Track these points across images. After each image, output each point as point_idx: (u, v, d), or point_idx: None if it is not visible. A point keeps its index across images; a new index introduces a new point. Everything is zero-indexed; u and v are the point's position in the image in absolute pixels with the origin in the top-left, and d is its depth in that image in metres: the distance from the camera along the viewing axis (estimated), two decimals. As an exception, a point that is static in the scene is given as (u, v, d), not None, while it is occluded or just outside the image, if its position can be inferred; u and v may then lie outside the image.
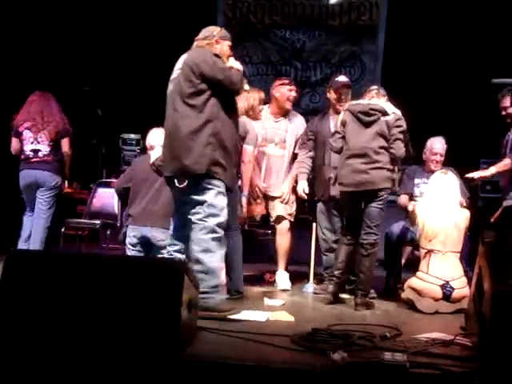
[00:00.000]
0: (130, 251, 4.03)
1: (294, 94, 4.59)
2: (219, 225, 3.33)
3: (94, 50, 6.94)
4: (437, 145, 4.61)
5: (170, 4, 7.06)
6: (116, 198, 5.05)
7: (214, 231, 3.30)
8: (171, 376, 2.28)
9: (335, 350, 2.34)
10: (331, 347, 2.44)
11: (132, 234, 4.01)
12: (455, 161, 4.68)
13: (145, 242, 4.01)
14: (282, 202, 4.51)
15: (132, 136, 6.51)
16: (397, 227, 4.39)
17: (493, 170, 4.32)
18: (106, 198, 5.49)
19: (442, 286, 3.76)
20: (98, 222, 5.04)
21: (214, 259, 3.29)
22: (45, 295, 2.45)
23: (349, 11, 7.59)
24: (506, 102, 4.47)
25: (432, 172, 4.34)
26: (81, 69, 6.82)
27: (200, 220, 3.29)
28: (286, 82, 4.65)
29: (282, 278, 4.52)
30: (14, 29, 6.34)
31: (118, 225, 5.19)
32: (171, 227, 3.55)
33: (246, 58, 7.61)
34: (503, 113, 4.46)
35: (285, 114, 4.60)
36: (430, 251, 3.87)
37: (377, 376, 2.20)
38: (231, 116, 3.42)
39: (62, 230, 5.02)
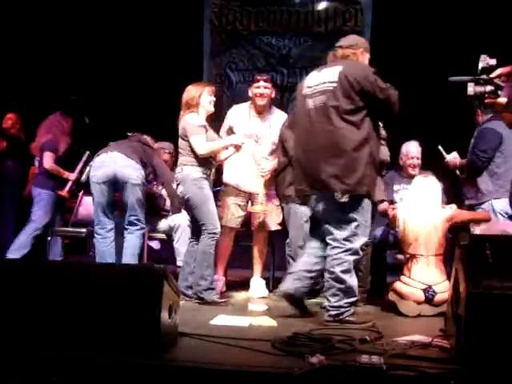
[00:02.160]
0: None
1: (261, 90, 4.52)
2: (362, 246, 3.40)
3: (82, 58, 6.95)
4: (412, 149, 4.70)
5: (157, 11, 7.09)
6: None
7: (357, 253, 3.36)
8: (152, 381, 2.30)
9: (314, 354, 2.38)
10: (310, 351, 2.47)
11: None
12: (428, 164, 4.76)
13: None
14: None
15: None
16: (379, 231, 4.44)
17: (457, 162, 4.61)
18: (92, 206, 5.48)
19: (425, 290, 3.81)
20: (84, 230, 5.04)
21: (353, 278, 3.36)
22: (25, 303, 2.47)
23: (334, 17, 7.65)
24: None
25: (411, 177, 4.41)
26: (68, 77, 6.83)
27: (346, 240, 3.31)
28: (257, 78, 4.61)
29: (258, 285, 4.49)
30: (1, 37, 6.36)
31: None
32: None
33: (233, 65, 7.66)
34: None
35: (263, 111, 4.59)
36: (412, 256, 3.91)
37: (354, 378, 2.23)
38: (378, 136, 3.40)
39: (49, 238, 5.02)
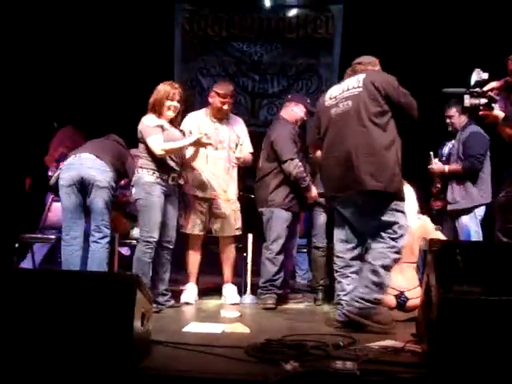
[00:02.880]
0: None
1: (226, 107, 4.51)
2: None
3: (51, 64, 6.86)
4: None
5: (128, 17, 7.05)
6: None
7: (399, 252, 3.44)
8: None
9: (287, 360, 2.37)
10: (284, 357, 2.46)
11: None
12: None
13: None
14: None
15: None
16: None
17: (446, 168, 4.75)
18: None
19: (397, 296, 3.87)
20: (52, 236, 4.96)
21: (388, 276, 3.43)
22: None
23: (305, 24, 7.72)
24: (451, 112, 4.84)
25: None
26: (37, 82, 6.74)
27: (392, 239, 3.40)
28: (221, 93, 4.50)
29: (230, 291, 4.47)
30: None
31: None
32: None
33: (204, 71, 7.67)
34: (448, 121, 4.84)
35: (223, 117, 4.58)
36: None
37: (328, 384, 2.24)
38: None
39: (16, 245, 4.92)
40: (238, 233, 4.56)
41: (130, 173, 4.26)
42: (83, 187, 4.06)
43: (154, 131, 3.96)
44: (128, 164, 4.32)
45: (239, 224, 4.55)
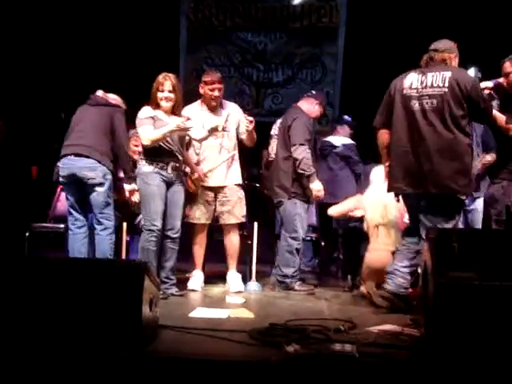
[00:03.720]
0: None
1: (216, 93, 4.51)
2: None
3: (56, 52, 6.94)
4: None
5: (134, 7, 7.11)
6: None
7: None
8: (134, 372, 2.38)
9: (289, 343, 2.48)
10: (286, 341, 2.57)
11: None
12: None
13: None
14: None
15: None
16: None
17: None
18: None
19: (392, 253, 4.03)
20: (62, 225, 5.06)
21: None
22: (9, 298, 2.53)
23: (309, 14, 7.75)
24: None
25: None
26: (44, 72, 6.83)
27: None
28: (208, 80, 4.51)
29: (234, 279, 4.53)
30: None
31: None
32: None
33: (209, 60, 7.74)
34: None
35: (215, 107, 4.58)
36: (376, 226, 4.26)
37: (328, 365, 2.34)
38: None
39: (27, 234, 5.03)
40: (244, 220, 4.64)
41: (117, 133, 4.23)
42: (79, 184, 4.16)
43: (144, 122, 4.06)
44: (115, 125, 4.24)
45: (244, 212, 4.61)
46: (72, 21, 6.91)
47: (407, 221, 4.23)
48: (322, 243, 5.33)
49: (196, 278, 4.51)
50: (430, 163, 3.43)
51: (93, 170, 4.09)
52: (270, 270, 4.92)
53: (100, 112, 4.27)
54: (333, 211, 4.64)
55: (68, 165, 4.15)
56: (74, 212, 4.24)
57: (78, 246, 4.21)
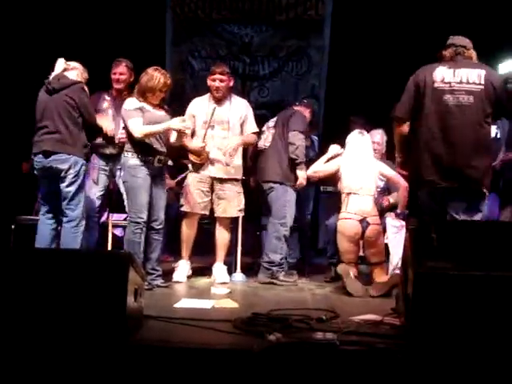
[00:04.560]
0: None
1: (217, 83, 4.59)
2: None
3: (41, 43, 6.91)
4: (375, 136, 4.90)
5: (119, 0, 7.08)
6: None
7: None
8: (119, 361, 2.42)
9: (271, 332, 2.54)
10: (269, 330, 2.62)
11: None
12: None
13: None
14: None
15: None
16: (335, 219, 4.62)
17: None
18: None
19: (360, 221, 4.29)
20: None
21: None
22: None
23: (295, 6, 7.73)
24: None
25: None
26: (29, 64, 6.80)
27: None
28: (212, 70, 4.70)
29: (220, 270, 4.58)
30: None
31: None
32: None
33: (195, 53, 7.71)
34: None
35: (221, 99, 4.66)
36: (348, 194, 4.43)
37: (309, 354, 2.40)
38: None
39: (13, 226, 5.04)
40: (241, 214, 4.69)
41: (84, 111, 4.16)
42: (52, 177, 4.14)
43: (134, 114, 4.09)
44: (80, 104, 4.16)
45: (242, 206, 4.67)
46: (57, 13, 6.87)
47: (392, 200, 4.66)
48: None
49: (181, 269, 4.54)
50: (466, 157, 3.49)
51: (64, 162, 4.05)
52: (254, 261, 4.98)
53: (60, 99, 4.15)
54: (313, 170, 4.71)
55: (40, 160, 4.14)
56: (44, 203, 4.24)
57: (42, 236, 4.18)
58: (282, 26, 7.78)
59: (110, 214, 4.91)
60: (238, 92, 7.77)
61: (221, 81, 4.60)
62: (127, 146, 4.17)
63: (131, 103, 4.15)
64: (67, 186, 4.08)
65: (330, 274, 4.71)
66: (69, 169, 4.06)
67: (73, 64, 4.38)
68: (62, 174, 4.06)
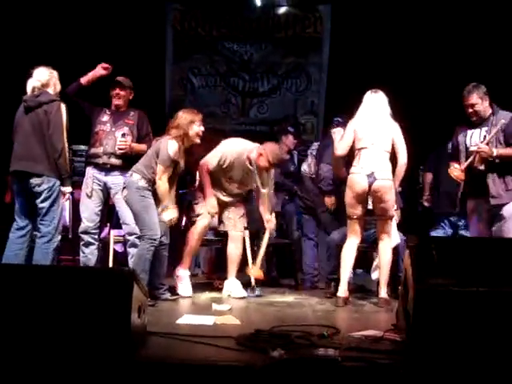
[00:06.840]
0: None
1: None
2: None
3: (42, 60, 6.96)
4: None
5: (119, 16, 7.16)
6: (67, 209, 5.15)
7: None
8: (124, 377, 2.44)
9: (274, 349, 2.56)
10: (272, 346, 2.64)
11: None
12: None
13: None
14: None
15: (82, 147, 6.54)
16: (337, 234, 4.65)
17: (495, 152, 4.19)
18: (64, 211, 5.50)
19: (368, 176, 4.25)
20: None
21: None
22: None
23: (294, 24, 7.85)
24: (472, 99, 4.30)
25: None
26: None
27: None
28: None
29: (235, 285, 4.63)
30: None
31: (70, 236, 5.25)
32: None
33: (195, 70, 7.79)
34: (470, 110, 4.33)
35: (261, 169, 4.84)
36: (360, 149, 4.36)
37: (311, 370, 2.42)
38: None
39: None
40: (246, 231, 4.85)
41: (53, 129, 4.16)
42: (28, 195, 4.20)
43: (169, 163, 4.24)
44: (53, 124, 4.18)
45: (245, 223, 4.87)
46: (57, 29, 6.93)
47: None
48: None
49: (186, 282, 4.58)
50: None
51: (40, 182, 4.12)
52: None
53: (36, 118, 4.18)
54: (340, 150, 4.52)
55: (16, 179, 4.21)
56: (17, 218, 4.26)
57: (10, 253, 4.16)
58: (281, 44, 7.88)
59: (111, 230, 4.94)
60: (238, 109, 7.89)
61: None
62: (140, 169, 4.25)
63: (175, 150, 4.25)
64: (41, 202, 4.13)
65: (331, 289, 4.73)
66: (42, 184, 4.11)
67: (44, 77, 4.37)
68: (36, 189, 4.11)
